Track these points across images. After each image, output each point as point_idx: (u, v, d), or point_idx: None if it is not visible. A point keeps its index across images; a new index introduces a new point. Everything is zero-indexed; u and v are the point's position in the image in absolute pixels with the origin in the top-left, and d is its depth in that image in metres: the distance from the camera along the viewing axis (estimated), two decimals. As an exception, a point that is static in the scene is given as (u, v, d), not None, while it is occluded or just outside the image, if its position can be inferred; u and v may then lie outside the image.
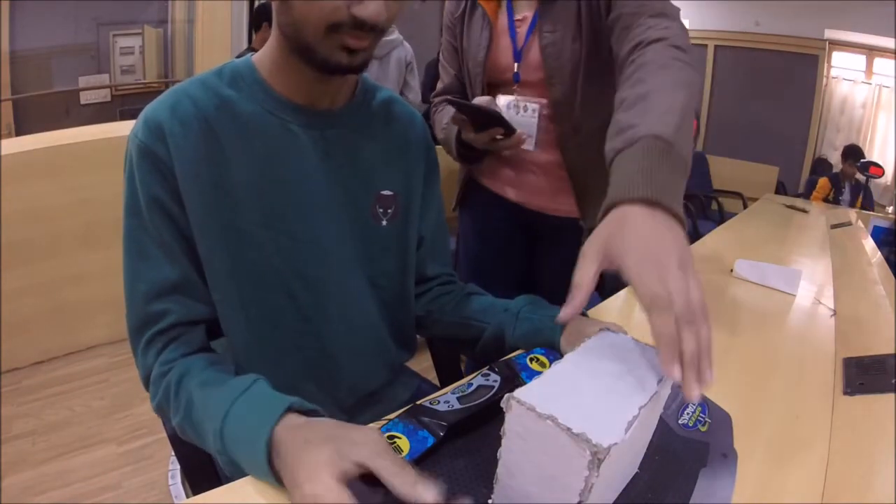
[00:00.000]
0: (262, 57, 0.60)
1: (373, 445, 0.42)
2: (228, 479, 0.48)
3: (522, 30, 0.95)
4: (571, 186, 1.01)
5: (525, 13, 0.95)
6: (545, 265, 1.14)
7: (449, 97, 0.91)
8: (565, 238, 1.05)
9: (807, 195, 3.54)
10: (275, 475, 0.44)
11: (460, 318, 0.76)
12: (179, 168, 0.55)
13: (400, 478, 0.39)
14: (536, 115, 0.95)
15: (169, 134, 0.54)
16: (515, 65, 0.95)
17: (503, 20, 0.96)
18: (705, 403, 0.63)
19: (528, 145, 0.98)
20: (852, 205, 3.31)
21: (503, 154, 1.03)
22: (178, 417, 0.54)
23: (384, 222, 0.68)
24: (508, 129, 0.88)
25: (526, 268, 1.17)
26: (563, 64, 0.90)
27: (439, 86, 1.11)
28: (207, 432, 0.50)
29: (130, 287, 0.57)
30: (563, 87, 0.92)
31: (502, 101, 0.97)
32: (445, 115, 1.03)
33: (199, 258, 0.58)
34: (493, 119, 0.87)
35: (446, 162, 1.19)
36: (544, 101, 0.95)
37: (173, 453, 0.70)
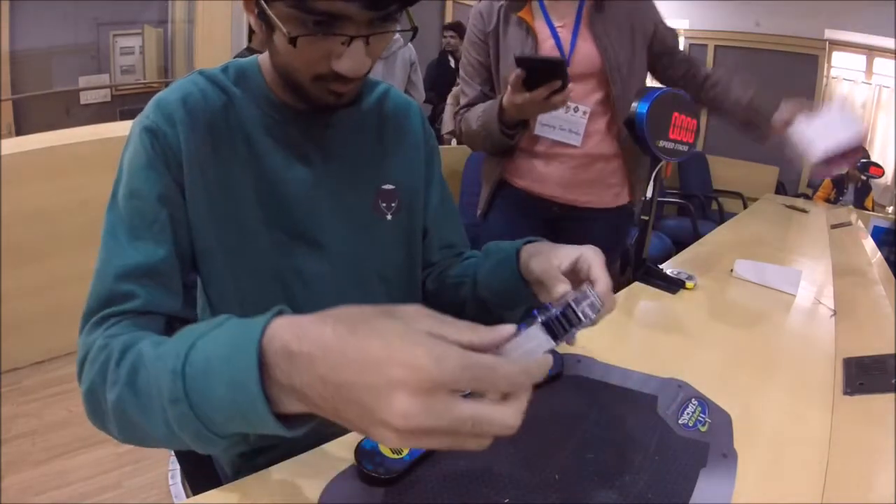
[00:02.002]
0: (266, 62, 0.61)
1: (430, 314, 0.34)
2: (228, 479, 0.48)
3: (566, 34, 1.07)
4: (626, 174, 1.18)
5: (565, 20, 1.08)
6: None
7: (517, 54, 0.93)
8: (610, 224, 1.20)
9: (815, 193, 3.57)
10: (267, 391, 0.33)
11: (451, 280, 0.73)
12: (187, 157, 0.55)
13: (474, 331, 0.34)
14: (587, 116, 1.08)
15: (179, 122, 0.55)
16: None
17: (543, 28, 1.08)
18: (705, 403, 0.63)
19: (575, 141, 1.08)
20: (858, 206, 3.30)
21: (539, 145, 1.14)
22: (115, 392, 0.42)
23: (389, 216, 0.69)
24: (566, 79, 0.93)
25: None
26: (620, 62, 1.07)
27: (463, 100, 1.18)
28: (161, 385, 0.38)
29: (102, 268, 0.53)
30: (621, 82, 1.07)
31: None
32: (478, 108, 1.10)
33: (184, 248, 0.56)
34: (557, 67, 0.92)
35: (446, 163, 1.19)
36: (596, 97, 1.09)
37: (173, 453, 0.70)
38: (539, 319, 0.39)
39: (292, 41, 0.48)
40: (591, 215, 1.19)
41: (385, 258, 0.69)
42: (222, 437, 0.37)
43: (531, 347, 0.37)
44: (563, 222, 1.21)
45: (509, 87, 0.96)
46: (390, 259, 0.70)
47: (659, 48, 1.15)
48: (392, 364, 0.29)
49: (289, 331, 0.33)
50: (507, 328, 0.35)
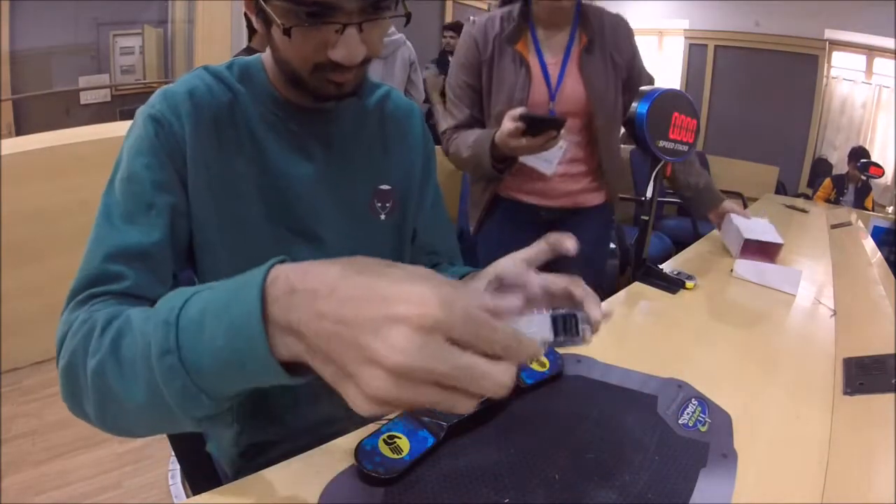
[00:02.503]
0: (269, 60, 0.61)
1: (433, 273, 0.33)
2: (228, 479, 0.48)
3: (554, 72, 1.14)
4: (606, 184, 1.28)
5: (556, 58, 1.15)
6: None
7: (521, 112, 0.97)
8: (590, 221, 1.29)
9: (815, 193, 3.57)
10: (269, 333, 0.32)
11: None
12: (191, 150, 0.55)
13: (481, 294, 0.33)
14: (563, 149, 1.14)
15: (185, 114, 0.55)
16: (551, 103, 1.14)
17: (535, 64, 1.13)
18: (705, 403, 0.63)
19: (547, 169, 1.14)
20: (858, 206, 3.30)
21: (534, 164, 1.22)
22: (95, 358, 0.41)
23: (383, 216, 0.69)
24: (561, 128, 0.98)
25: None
26: (606, 99, 1.16)
27: (451, 121, 1.20)
28: (149, 340, 0.36)
29: (94, 243, 0.52)
30: (604, 116, 1.16)
31: None
32: (469, 136, 1.14)
33: (179, 238, 0.56)
34: (556, 123, 0.98)
35: (447, 163, 1.19)
36: (578, 130, 1.18)
37: (173, 453, 0.70)
38: (549, 313, 0.40)
39: (287, 32, 0.49)
40: (576, 215, 1.29)
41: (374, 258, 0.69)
42: (209, 398, 0.36)
43: (530, 333, 0.38)
44: (553, 224, 1.28)
45: (506, 133, 0.99)
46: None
47: (624, 84, 1.21)
48: (398, 300, 0.29)
49: (294, 270, 0.33)
50: (514, 301, 0.35)
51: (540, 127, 0.97)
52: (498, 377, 0.29)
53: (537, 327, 0.39)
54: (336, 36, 0.50)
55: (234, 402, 0.39)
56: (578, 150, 1.20)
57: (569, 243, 0.47)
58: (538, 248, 0.49)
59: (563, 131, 0.98)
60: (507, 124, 0.98)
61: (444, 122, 1.23)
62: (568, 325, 0.41)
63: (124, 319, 0.42)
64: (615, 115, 1.19)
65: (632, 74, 1.20)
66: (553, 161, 1.14)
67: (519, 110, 0.98)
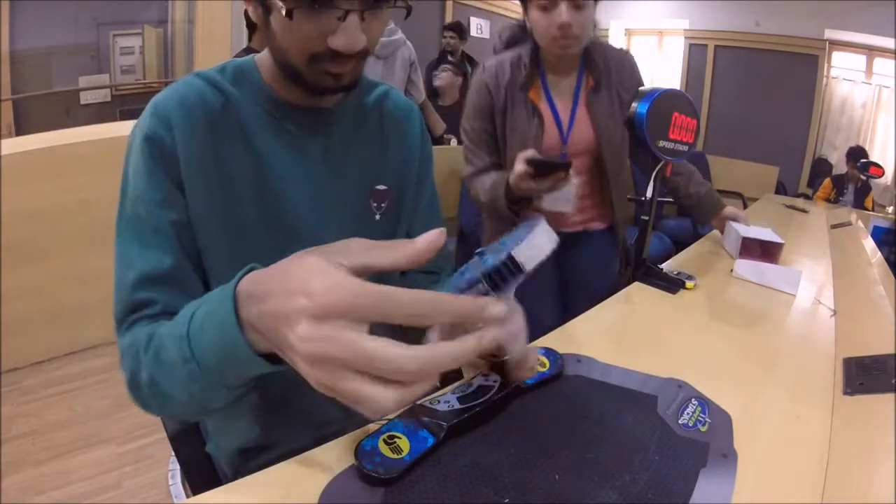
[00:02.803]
0: (263, 59, 0.61)
1: (361, 243, 0.37)
2: (228, 479, 0.48)
3: (565, 117, 1.19)
4: (613, 213, 1.30)
5: (566, 102, 1.19)
6: (578, 265, 1.32)
7: (528, 156, 0.99)
8: (597, 243, 1.32)
9: (815, 193, 3.57)
10: (246, 334, 0.37)
11: None
12: (184, 159, 0.55)
13: (395, 251, 0.37)
14: (575, 189, 1.15)
15: (176, 125, 0.55)
16: (563, 147, 1.19)
17: (546, 110, 1.18)
18: (705, 403, 0.63)
19: (567, 208, 1.15)
20: (858, 206, 3.30)
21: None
22: (147, 372, 0.49)
23: (378, 216, 0.69)
24: (567, 169, 1.00)
25: (559, 277, 1.36)
26: (613, 137, 1.19)
27: (470, 168, 1.24)
28: (175, 354, 0.44)
29: (120, 274, 0.56)
30: (612, 152, 1.20)
31: None
32: (486, 180, 1.17)
33: (191, 250, 0.58)
34: (563, 167, 0.99)
35: (446, 163, 1.19)
36: (589, 168, 1.23)
37: (173, 453, 0.70)
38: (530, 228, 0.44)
39: (289, 13, 0.49)
40: (594, 233, 1.32)
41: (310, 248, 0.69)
42: (227, 388, 0.44)
43: (537, 234, 0.43)
44: (562, 244, 1.31)
45: (516, 177, 1.01)
46: None
47: None
48: (298, 294, 0.32)
49: (251, 275, 0.39)
50: (436, 233, 0.38)
51: (548, 169, 0.99)
52: (398, 360, 0.31)
53: (545, 230, 0.44)
54: (337, 23, 0.51)
55: (248, 387, 0.46)
56: (588, 185, 1.25)
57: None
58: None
59: (571, 171, 1.00)
60: (518, 167, 1.00)
61: (465, 169, 1.28)
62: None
63: (158, 338, 0.49)
64: (623, 151, 1.23)
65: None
66: (570, 199, 1.16)
67: (527, 154, 0.99)
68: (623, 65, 1.20)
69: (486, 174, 1.20)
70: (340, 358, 0.31)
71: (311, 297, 0.32)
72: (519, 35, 1.22)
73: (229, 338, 0.38)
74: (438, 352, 0.32)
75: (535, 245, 0.43)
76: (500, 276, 0.43)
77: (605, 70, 1.18)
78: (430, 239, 0.37)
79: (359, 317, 0.31)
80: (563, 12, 1.04)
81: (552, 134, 1.18)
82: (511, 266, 0.43)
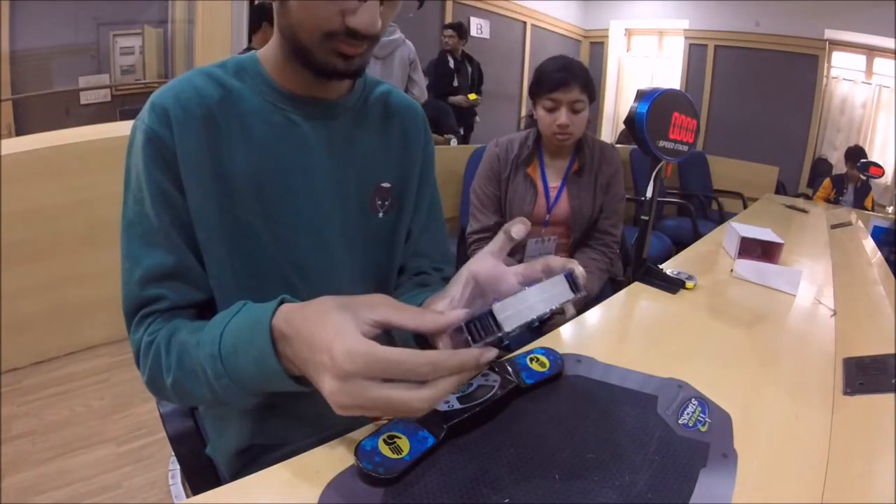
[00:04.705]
0: (266, 53, 0.61)
1: (388, 302, 0.43)
2: (228, 480, 0.48)
3: (553, 192, 1.42)
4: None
5: (556, 181, 1.43)
6: None
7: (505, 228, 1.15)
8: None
9: (815, 193, 3.57)
10: (282, 364, 0.44)
11: None
12: (182, 154, 0.55)
13: (423, 317, 0.42)
14: (553, 244, 1.43)
15: (174, 120, 0.55)
16: (547, 215, 1.42)
17: (540, 185, 1.42)
18: (705, 403, 0.63)
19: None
20: (858, 206, 3.30)
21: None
22: (171, 376, 0.53)
23: (381, 214, 0.69)
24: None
25: None
26: (583, 216, 1.42)
27: (476, 225, 1.46)
28: (205, 366, 0.49)
29: (127, 271, 0.57)
30: (580, 226, 1.44)
31: (531, 238, 1.39)
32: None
33: (194, 244, 0.58)
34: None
35: (447, 162, 1.19)
36: (563, 234, 1.47)
37: (173, 453, 0.70)
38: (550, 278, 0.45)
39: None
40: None
41: (369, 256, 0.69)
42: (255, 395, 0.50)
43: (554, 296, 0.43)
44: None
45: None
46: (374, 257, 0.70)
47: (602, 201, 1.46)
48: (323, 351, 0.39)
49: (281, 317, 0.44)
50: (456, 315, 0.42)
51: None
52: (409, 404, 0.39)
53: (557, 289, 0.43)
54: (357, 3, 0.51)
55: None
56: (561, 244, 1.50)
57: (517, 227, 0.51)
58: (500, 240, 0.53)
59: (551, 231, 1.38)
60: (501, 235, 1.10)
61: (470, 226, 1.47)
62: (574, 281, 0.44)
63: (180, 344, 0.53)
64: (591, 222, 1.46)
65: (611, 188, 1.46)
66: (550, 252, 1.41)
67: (510, 225, 1.09)
68: (604, 154, 1.44)
69: (488, 234, 1.42)
70: (364, 407, 0.39)
71: (333, 360, 0.38)
72: (529, 122, 1.50)
73: (269, 367, 0.44)
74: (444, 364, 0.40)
75: (523, 304, 0.42)
76: (481, 327, 0.41)
77: (591, 158, 1.42)
78: (452, 321, 0.42)
79: (372, 377, 0.38)
80: (563, 115, 1.30)
81: (541, 204, 1.42)
82: (492, 321, 0.41)
